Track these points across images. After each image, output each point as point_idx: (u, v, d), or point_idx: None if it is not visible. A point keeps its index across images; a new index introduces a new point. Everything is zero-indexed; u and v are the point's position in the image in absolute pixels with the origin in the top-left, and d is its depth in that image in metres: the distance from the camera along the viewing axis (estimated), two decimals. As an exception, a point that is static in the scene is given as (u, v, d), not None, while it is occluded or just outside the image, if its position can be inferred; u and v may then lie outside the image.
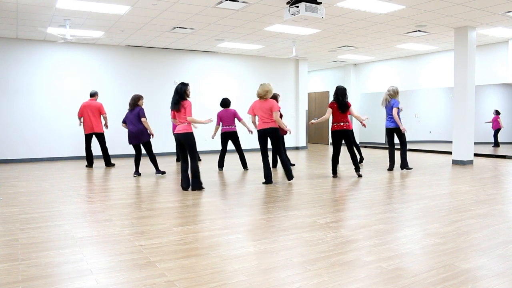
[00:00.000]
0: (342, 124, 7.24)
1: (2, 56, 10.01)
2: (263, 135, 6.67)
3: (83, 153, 10.90)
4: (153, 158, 7.79)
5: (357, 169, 7.41)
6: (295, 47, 11.27)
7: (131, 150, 11.29)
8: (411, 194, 5.88)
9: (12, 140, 10.20)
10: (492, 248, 3.40)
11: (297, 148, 14.22)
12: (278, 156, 6.84)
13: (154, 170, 8.49)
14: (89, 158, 9.10)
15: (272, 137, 6.65)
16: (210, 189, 6.33)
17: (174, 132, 6.26)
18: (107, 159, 9.14)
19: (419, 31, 9.50)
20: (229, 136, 8.32)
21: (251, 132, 8.59)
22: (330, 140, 9.68)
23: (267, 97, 6.66)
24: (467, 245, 3.48)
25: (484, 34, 9.88)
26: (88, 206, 5.15)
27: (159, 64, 11.86)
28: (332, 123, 7.35)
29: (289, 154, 12.31)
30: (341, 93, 7.26)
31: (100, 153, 10.63)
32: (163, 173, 7.82)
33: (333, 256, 3.23)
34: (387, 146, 8.44)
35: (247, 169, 8.53)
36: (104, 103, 11.10)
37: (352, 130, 9.35)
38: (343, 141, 7.44)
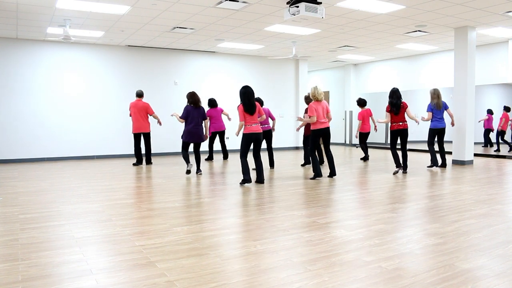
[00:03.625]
0: (400, 123, 7.79)
1: (2, 56, 10.01)
2: (321, 134, 7.20)
3: (83, 153, 10.91)
4: (199, 157, 7.88)
5: (405, 167, 7.96)
6: (295, 47, 11.27)
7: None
8: (411, 194, 5.88)
9: (12, 140, 10.20)
10: (492, 248, 3.40)
11: (297, 148, 14.22)
12: (326, 153, 7.48)
13: (159, 173, 8.47)
14: (139, 157, 9.44)
15: (328, 136, 7.31)
16: (210, 189, 6.33)
17: (254, 132, 6.51)
18: (149, 157, 9.54)
19: (419, 31, 9.50)
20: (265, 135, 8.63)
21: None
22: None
23: (323, 98, 7.30)
24: (467, 245, 3.48)
25: (484, 34, 9.88)
26: (88, 206, 5.15)
27: (159, 64, 11.86)
28: (391, 123, 7.92)
29: (289, 154, 12.31)
30: (396, 95, 7.74)
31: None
32: (200, 172, 7.85)
33: (333, 256, 3.23)
34: (429, 147, 8.72)
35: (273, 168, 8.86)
36: (104, 103, 11.12)
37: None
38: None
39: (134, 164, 9.43)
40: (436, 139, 8.70)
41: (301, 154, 12.39)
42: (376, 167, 9.01)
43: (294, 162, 10.10)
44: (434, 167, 8.63)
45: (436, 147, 8.89)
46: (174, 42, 10.92)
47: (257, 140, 6.61)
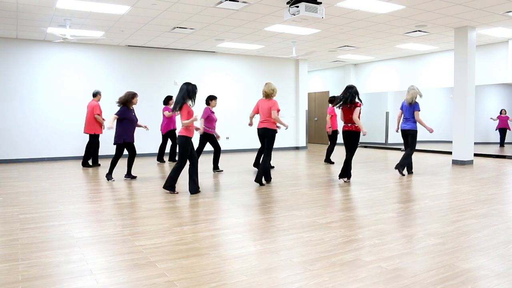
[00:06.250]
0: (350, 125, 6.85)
1: (2, 56, 10.00)
2: (259, 134, 6.74)
3: (83, 153, 10.87)
4: (116, 161, 7.22)
5: (343, 175, 6.93)
6: (295, 47, 11.27)
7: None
8: (411, 194, 5.88)
9: (12, 140, 10.19)
10: (492, 248, 3.40)
11: (297, 148, 14.22)
12: (262, 156, 6.71)
13: (159, 173, 8.44)
14: (95, 158, 9.25)
15: (268, 137, 6.61)
16: (210, 189, 6.33)
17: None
18: (85, 158, 9.13)
19: (419, 31, 9.50)
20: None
21: (219, 137, 8.03)
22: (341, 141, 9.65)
23: (272, 96, 6.73)
24: (467, 245, 3.48)
25: (484, 34, 9.87)
26: (88, 206, 5.14)
27: (159, 64, 11.86)
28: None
29: (289, 154, 12.31)
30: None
31: (104, 153, 10.62)
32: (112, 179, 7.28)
33: (333, 256, 3.23)
34: (412, 150, 7.77)
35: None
36: (104, 103, 11.08)
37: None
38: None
39: (94, 165, 9.16)
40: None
41: (300, 154, 12.40)
42: (375, 167, 9.01)
43: (294, 162, 10.11)
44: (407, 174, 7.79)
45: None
46: (174, 42, 10.92)
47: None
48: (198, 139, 8.17)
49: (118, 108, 7.11)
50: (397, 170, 7.91)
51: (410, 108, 7.65)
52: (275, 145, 13.77)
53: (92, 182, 7.15)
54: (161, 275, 2.86)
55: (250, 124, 7.26)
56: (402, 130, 7.74)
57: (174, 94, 11.78)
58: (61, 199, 5.58)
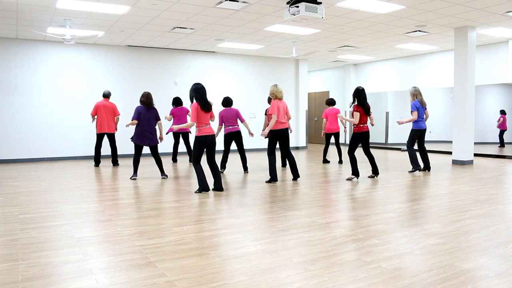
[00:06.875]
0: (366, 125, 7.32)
1: (2, 56, 10.00)
2: (280, 135, 6.94)
3: (83, 153, 10.91)
4: (160, 160, 7.50)
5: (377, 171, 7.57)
6: (295, 47, 11.27)
7: (130, 150, 11.24)
8: (411, 194, 5.88)
9: (12, 140, 10.19)
10: (492, 248, 3.40)
11: (297, 148, 14.22)
12: (287, 156, 7.14)
13: (159, 173, 8.29)
14: (98, 158, 9.27)
15: (287, 137, 7.05)
16: (210, 189, 6.33)
17: (206, 135, 5.89)
18: (116, 159, 9.35)
19: (419, 31, 9.50)
20: (233, 136, 8.04)
21: (252, 135, 8.26)
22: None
23: (282, 98, 7.06)
24: (467, 245, 3.48)
25: (484, 34, 9.88)
26: (88, 206, 5.15)
27: (159, 64, 11.86)
28: (358, 124, 7.24)
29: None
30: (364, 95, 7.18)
31: (107, 153, 10.61)
32: (166, 176, 7.56)
33: (333, 256, 3.23)
34: (417, 149, 8.24)
35: (247, 172, 8.23)
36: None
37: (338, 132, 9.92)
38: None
39: (95, 166, 9.21)
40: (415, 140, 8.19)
41: (301, 154, 12.39)
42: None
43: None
44: (417, 171, 8.10)
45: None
46: (174, 42, 10.92)
47: (211, 144, 6.00)
48: (223, 139, 8.21)
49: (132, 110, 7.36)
50: (426, 170, 8.27)
51: (423, 108, 8.15)
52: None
53: (92, 182, 7.15)
54: (161, 275, 2.86)
55: (263, 136, 7.16)
56: (422, 130, 8.09)
57: (174, 94, 11.86)
58: (61, 199, 5.58)
